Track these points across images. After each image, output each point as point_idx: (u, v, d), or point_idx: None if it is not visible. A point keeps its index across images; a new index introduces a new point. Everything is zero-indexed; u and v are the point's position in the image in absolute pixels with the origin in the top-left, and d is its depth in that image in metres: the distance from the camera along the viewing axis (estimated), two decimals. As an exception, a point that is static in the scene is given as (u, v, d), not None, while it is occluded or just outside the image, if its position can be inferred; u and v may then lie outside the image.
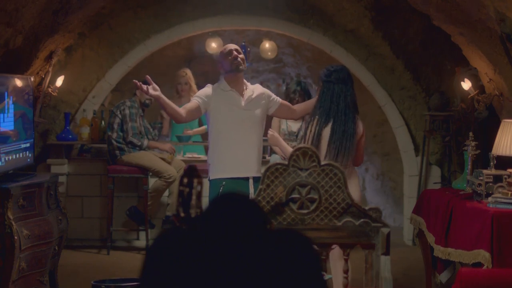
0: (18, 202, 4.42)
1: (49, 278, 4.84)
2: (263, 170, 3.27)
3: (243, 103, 4.39)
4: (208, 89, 4.43)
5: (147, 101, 6.53)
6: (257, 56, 8.44)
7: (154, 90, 4.21)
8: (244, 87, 4.46)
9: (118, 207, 6.64)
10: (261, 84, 8.23)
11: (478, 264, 4.02)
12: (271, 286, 1.71)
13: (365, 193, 8.57)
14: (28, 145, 5.06)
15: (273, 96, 4.59)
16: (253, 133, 4.41)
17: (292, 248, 1.77)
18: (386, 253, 3.10)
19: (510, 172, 4.25)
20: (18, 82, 4.95)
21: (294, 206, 3.14)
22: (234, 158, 4.33)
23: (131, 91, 7.18)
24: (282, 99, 4.76)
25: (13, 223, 4.31)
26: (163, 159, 6.51)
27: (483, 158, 5.56)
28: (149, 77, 4.29)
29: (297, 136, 5.88)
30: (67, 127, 6.69)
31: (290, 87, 6.10)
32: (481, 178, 4.32)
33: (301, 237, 1.81)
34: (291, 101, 5.85)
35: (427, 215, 4.81)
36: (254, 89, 4.49)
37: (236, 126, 4.35)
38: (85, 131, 6.81)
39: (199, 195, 1.88)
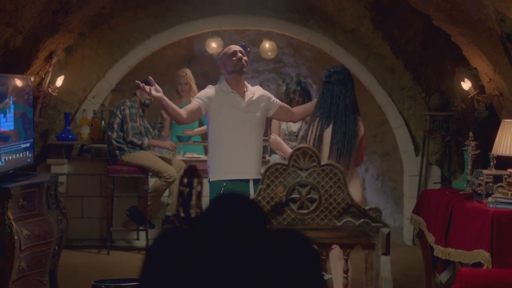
0: (18, 202, 4.42)
1: (49, 278, 4.84)
2: (263, 170, 3.27)
3: (244, 105, 4.39)
4: (209, 90, 4.43)
5: (147, 101, 6.53)
6: (257, 56, 8.44)
7: (156, 91, 4.21)
8: (245, 89, 4.46)
9: (118, 207, 6.64)
10: (261, 84, 8.22)
11: (478, 264, 4.01)
12: (271, 286, 1.71)
13: (365, 193, 8.57)
14: (28, 145, 5.06)
15: (273, 98, 4.59)
16: (254, 135, 4.41)
17: (292, 248, 1.77)
18: (386, 253, 3.10)
19: (510, 172, 4.25)
20: (18, 82, 4.95)
21: (294, 206, 3.14)
22: (234, 160, 4.33)
23: (131, 91, 7.18)
24: (283, 99, 4.76)
25: (13, 223, 4.31)
26: (163, 157, 6.51)
27: (483, 158, 5.56)
28: (151, 78, 4.29)
29: (297, 136, 5.89)
30: (67, 127, 6.70)
31: (290, 87, 6.10)
32: (481, 178, 4.32)
33: (301, 237, 1.81)
34: (291, 101, 5.85)
35: (427, 215, 4.81)
36: (254, 91, 4.49)
37: (237, 128, 4.35)
38: (85, 131, 6.81)
39: (199, 195, 1.88)
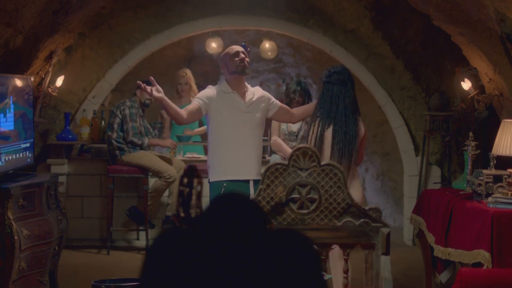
0: (18, 202, 4.42)
1: (49, 278, 4.84)
2: (263, 170, 3.27)
3: (244, 106, 4.39)
4: (209, 91, 4.42)
5: (147, 101, 6.53)
6: (257, 56, 8.44)
7: (157, 91, 4.21)
8: (245, 90, 4.46)
9: (118, 207, 6.64)
10: (261, 84, 8.22)
11: (478, 264, 4.01)
12: (271, 286, 1.71)
13: (365, 193, 8.56)
14: (28, 145, 5.06)
15: (273, 99, 4.59)
16: (254, 135, 4.41)
17: (292, 248, 1.77)
18: (386, 253, 3.10)
19: (510, 172, 4.25)
20: (18, 82, 4.95)
21: (294, 206, 3.14)
22: (234, 160, 4.33)
23: (131, 91, 7.18)
24: (283, 99, 4.76)
25: (13, 223, 4.30)
26: (163, 157, 6.51)
27: (483, 158, 5.56)
28: (152, 78, 4.28)
29: (297, 136, 5.89)
30: (67, 127, 6.70)
31: (290, 87, 6.10)
32: (481, 178, 4.32)
33: (301, 237, 1.81)
34: (291, 101, 5.85)
35: (427, 215, 4.81)
36: (254, 92, 4.49)
37: (237, 129, 4.35)
38: (85, 131, 6.81)
39: (199, 195, 1.88)
